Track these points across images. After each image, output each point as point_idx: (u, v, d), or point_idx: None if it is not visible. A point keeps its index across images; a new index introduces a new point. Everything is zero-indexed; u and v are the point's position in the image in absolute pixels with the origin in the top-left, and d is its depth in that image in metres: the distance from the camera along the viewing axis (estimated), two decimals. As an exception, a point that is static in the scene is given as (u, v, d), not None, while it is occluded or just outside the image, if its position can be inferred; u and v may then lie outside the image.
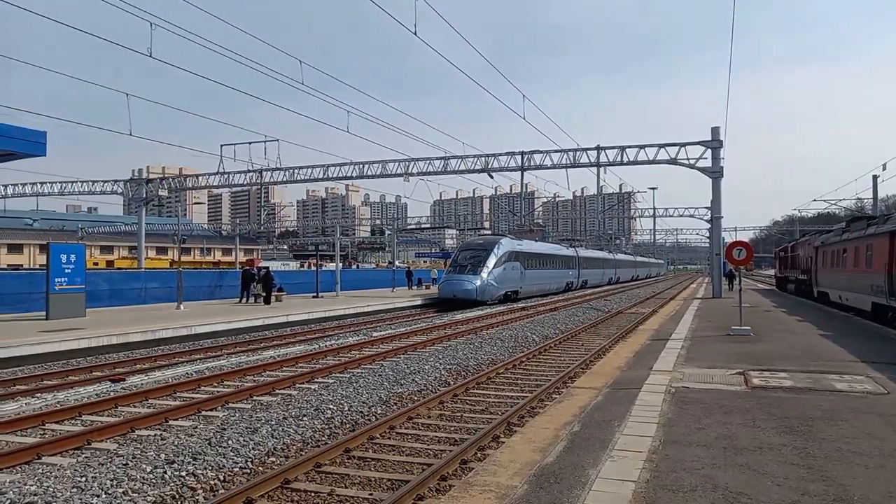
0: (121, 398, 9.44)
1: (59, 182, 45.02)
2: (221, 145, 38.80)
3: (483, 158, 36.43)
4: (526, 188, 45.03)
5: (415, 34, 17.85)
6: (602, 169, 34.94)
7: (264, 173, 40.07)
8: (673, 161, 31.82)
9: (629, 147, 33.06)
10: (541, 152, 35.58)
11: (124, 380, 11.02)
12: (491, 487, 4.64)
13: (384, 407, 9.25)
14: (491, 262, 30.27)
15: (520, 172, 36.96)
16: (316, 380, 11.18)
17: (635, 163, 33.28)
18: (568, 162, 35.07)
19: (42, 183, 45.47)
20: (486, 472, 5.04)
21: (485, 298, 29.63)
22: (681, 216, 66.44)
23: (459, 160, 36.73)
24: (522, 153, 35.79)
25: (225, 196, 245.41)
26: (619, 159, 33.58)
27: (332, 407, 8.86)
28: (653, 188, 66.22)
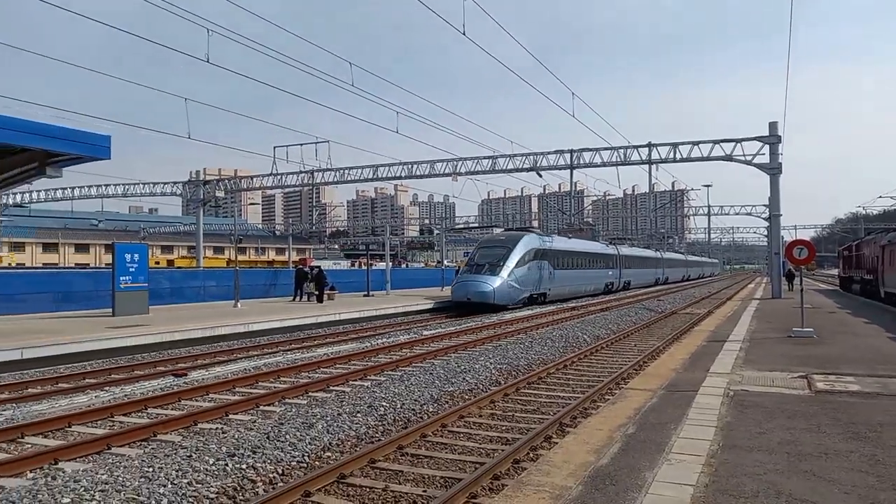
0: (183, 392, 9.80)
1: (122, 184, 46.93)
2: (274, 147, 39.73)
3: (531, 157, 36.21)
4: (575, 187, 44.51)
5: (463, 34, 17.90)
6: (654, 166, 34.26)
7: (315, 174, 40.85)
8: (728, 157, 30.93)
9: (682, 144, 32.32)
10: (590, 150, 35.13)
11: (186, 375, 11.44)
12: (545, 488, 4.64)
13: (436, 405, 9.33)
14: (512, 260, 27.10)
15: (569, 171, 36.58)
16: (368, 377, 11.35)
17: (688, 160, 32.50)
18: (618, 160, 34.51)
19: (106, 185, 47.49)
20: (540, 472, 5.03)
21: (504, 302, 26.54)
22: (737, 214, 64.54)
23: (507, 159, 36.62)
24: (571, 151, 35.42)
25: (278, 197, 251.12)
26: (671, 156, 32.86)
27: (384, 404, 8.99)
28: (707, 185, 64.57)
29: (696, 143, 31.90)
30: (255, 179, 44.72)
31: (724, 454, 5.34)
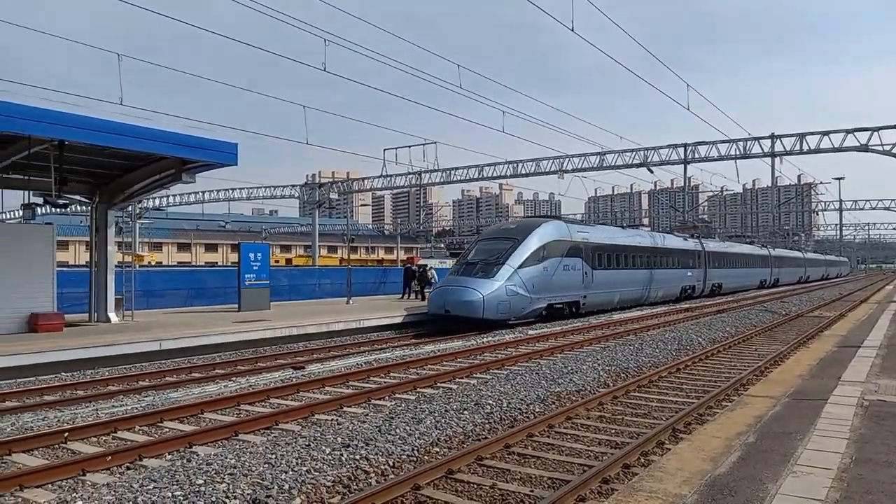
0: (302, 384, 10.37)
1: (247, 188, 50.17)
2: (384, 149, 40.98)
3: (642, 152, 35.02)
4: (689, 182, 42.56)
5: (572, 30, 17.64)
6: (777, 159, 32.08)
7: (423, 175, 41.72)
8: (864, 148, 28.42)
9: (809, 134, 30.09)
10: (706, 143, 33.49)
11: (304, 368, 12.08)
12: (657, 494, 4.50)
13: (542, 405, 9.28)
14: (519, 256, 19.44)
15: (682, 165, 35.05)
16: (474, 375, 11.47)
17: (817, 151, 30.20)
18: (737, 153, 32.67)
19: (232, 189, 50.96)
20: (652, 478, 4.89)
21: (501, 315, 18.76)
22: (873, 209, 59.08)
23: (616, 155, 35.64)
24: (685, 145, 33.91)
25: (387, 197, 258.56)
26: (797, 148, 30.65)
27: (490, 402, 9.05)
28: (839, 178, 59.60)
29: (826, 133, 29.57)
30: (366, 181, 46.35)
31: (857, 468, 4.94)
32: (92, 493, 5.56)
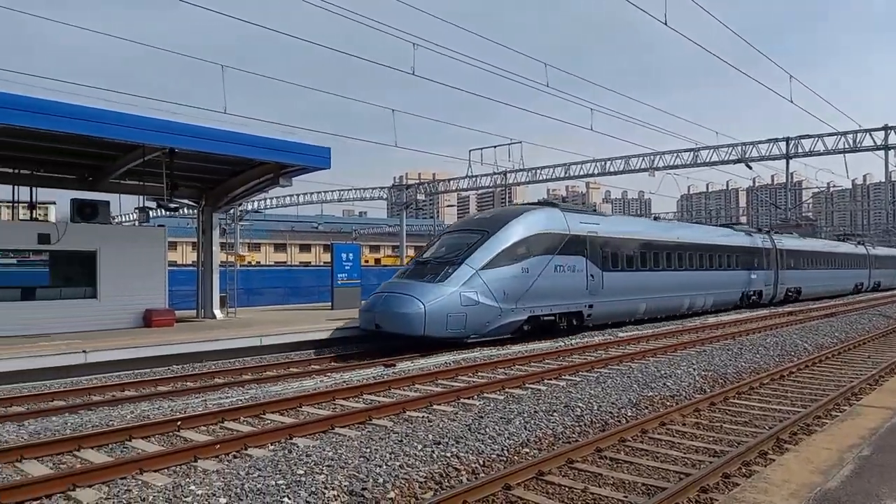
0: (393, 381, 10.63)
1: (338, 190, 51.84)
2: (469, 150, 41.24)
3: (739, 147, 33.40)
4: (792, 178, 40.17)
5: (665, 24, 17.09)
6: (892, 152, 29.72)
7: (508, 175, 41.61)
8: None
9: (931, 124, 27.62)
10: (810, 137, 31.50)
11: (394, 365, 12.38)
12: (761, 506, 4.32)
13: (634, 410, 9.06)
14: (483, 254, 15.13)
15: (784, 161, 33.13)
16: (563, 377, 11.36)
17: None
18: (846, 146, 30.51)
19: (324, 192, 52.81)
20: (755, 489, 4.69)
21: (449, 332, 14.32)
22: None
23: (712, 151, 34.17)
24: (787, 139, 32.05)
25: (472, 198, 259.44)
26: (916, 139, 28.24)
27: (580, 405, 8.94)
28: (966, 171, 54.37)
29: (951, 122, 27.04)
30: (451, 182, 46.77)
31: None
32: (203, 478, 5.95)
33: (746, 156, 33.24)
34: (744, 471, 6.30)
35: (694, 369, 11.85)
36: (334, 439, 7.39)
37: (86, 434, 7.32)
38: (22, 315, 13.86)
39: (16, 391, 10.35)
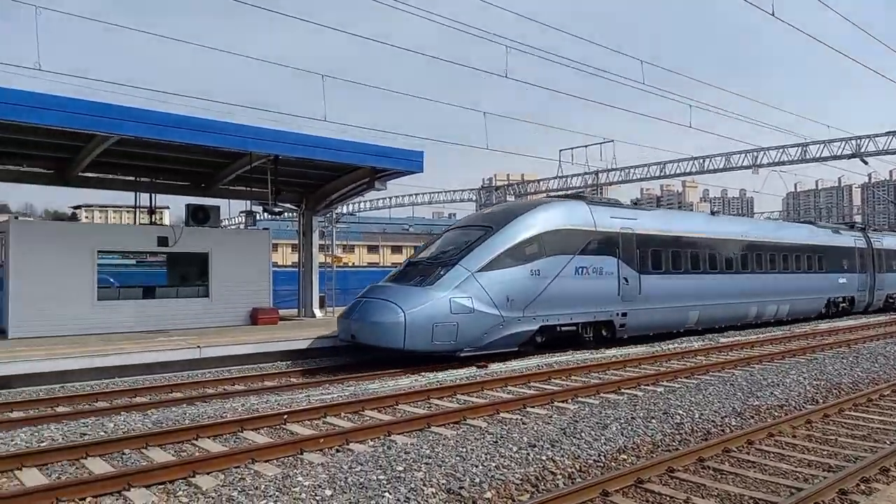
0: (486, 382, 10.72)
1: (428, 192, 52.66)
2: (560, 150, 40.70)
3: (853, 142, 31.10)
4: (916, 173, 36.90)
5: (772, 15, 16.26)
6: None
7: (600, 174, 40.77)
8: None
9: None
10: (937, 128, 28.83)
11: (487, 366, 12.46)
12: (885, 526, 4.06)
13: (739, 419, 8.68)
14: (483, 254, 13.18)
15: (906, 154, 30.52)
16: (661, 383, 11.04)
17: None
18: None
19: (415, 194, 53.76)
20: (877, 508, 4.41)
21: (436, 345, 12.37)
22: None
23: (822, 145, 32.01)
24: (910, 131, 29.49)
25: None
26: None
27: (680, 412, 8.67)
28: None
29: None
30: (541, 183, 46.38)
31: None
32: (309, 470, 6.26)
33: (861, 150, 30.91)
34: (863, 487, 5.91)
35: (804, 378, 11.19)
36: (431, 437, 7.55)
37: (203, 424, 7.86)
38: (144, 312, 15.06)
39: (139, 383, 11.27)
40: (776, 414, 8.98)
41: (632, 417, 8.33)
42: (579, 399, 9.71)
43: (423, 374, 11.81)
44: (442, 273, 12.81)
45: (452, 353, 12.69)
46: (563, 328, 14.33)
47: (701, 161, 36.29)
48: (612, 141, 37.81)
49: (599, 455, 6.95)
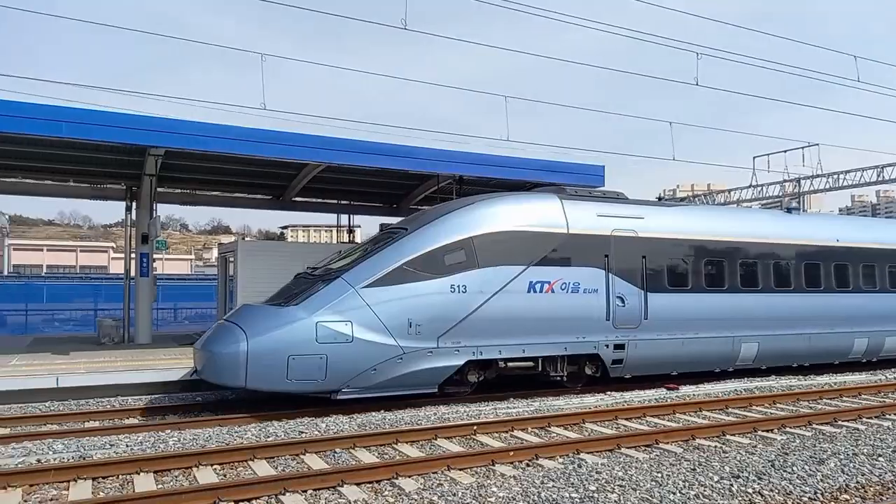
0: (677, 405, 10.21)
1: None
2: (754, 157, 37.59)
3: None
4: None
5: None
6: None
7: (802, 181, 36.97)
8: None
9: None
10: None
11: (678, 389, 11.86)
12: None
13: None
14: (377, 264, 10.28)
15: None
16: (887, 416, 9.75)
17: None
18: None
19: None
20: None
21: (291, 384, 9.47)
22: None
23: None
24: None
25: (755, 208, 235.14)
26: None
27: (916, 452, 7.58)
28: None
29: None
30: (731, 193, 43.19)
31: None
32: (502, 482, 6.43)
33: None
34: None
35: None
36: (622, 459, 7.38)
37: (401, 430, 8.40)
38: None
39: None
40: None
41: (854, 454, 7.46)
42: (788, 430, 8.88)
43: (608, 393, 11.54)
44: (317, 289, 10.02)
45: (322, 394, 9.88)
46: (510, 363, 11.01)
47: (931, 162, 31.41)
48: (818, 144, 34.15)
49: (815, 492, 6.31)
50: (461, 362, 10.47)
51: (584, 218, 11.76)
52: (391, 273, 10.07)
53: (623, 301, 11.69)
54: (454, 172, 15.18)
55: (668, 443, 8.10)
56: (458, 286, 10.34)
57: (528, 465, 7.27)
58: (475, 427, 8.65)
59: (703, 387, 12.22)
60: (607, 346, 11.57)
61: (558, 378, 11.49)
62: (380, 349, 9.79)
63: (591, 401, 10.82)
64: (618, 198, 12.99)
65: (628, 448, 7.87)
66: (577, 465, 7.09)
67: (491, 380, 11.21)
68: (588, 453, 7.63)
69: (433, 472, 6.84)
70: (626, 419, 9.57)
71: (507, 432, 8.68)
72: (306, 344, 9.41)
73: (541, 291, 10.98)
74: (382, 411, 10.01)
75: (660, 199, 46.89)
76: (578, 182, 16.59)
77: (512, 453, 7.45)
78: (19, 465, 6.90)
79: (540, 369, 11.23)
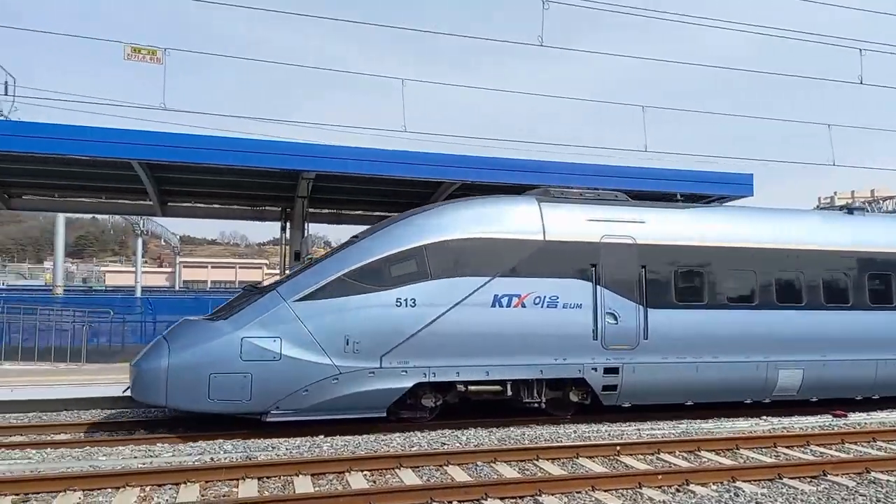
0: (846, 434, 9.28)
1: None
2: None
3: None
4: None
5: None
6: None
7: None
8: None
9: None
10: None
11: (846, 416, 10.78)
12: None
13: None
14: (310, 278, 9.51)
15: None
16: None
17: None
18: None
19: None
20: None
21: (210, 404, 8.87)
22: None
23: None
24: None
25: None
26: None
27: None
28: None
29: None
30: (901, 198, 38.68)
31: None
32: (651, 506, 6.19)
33: None
34: None
35: None
36: (784, 490, 6.85)
37: (542, 446, 8.35)
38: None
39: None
40: None
41: None
42: None
43: (764, 417, 10.73)
44: (249, 302, 9.44)
45: (248, 416, 9.24)
46: (470, 386, 9.81)
47: None
48: None
49: None
50: (409, 384, 9.43)
51: (567, 223, 10.43)
52: (328, 285, 9.31)
53: (615, 318, 10.24)
54: (586, 185, 14.92)
55: (837, 475, 7.39)
56: (406, 300, 9.42)
57: (678, 490, 6.94)
58: (618, 447, 8.40)
59: (876, 415, 11.03)
60: (595, 369, 10.12)
61: (535, 405, 10.20)
62: (311, 368, 9.05)
63: (745, 425, 10.12)
64: (616, 199, 11.43)
65: (791, 478, 7.27)
66: (733, 493, 6.68)
67: (468, 405, 10.20)
68: (745, 481, 7.15)
69: (577, 492, 6.73)
70: (787, 447, 8.85)
71: (652, 454, 8.34)
72: (230, 361, 8.86)
73: (508, 306, 9.78)
74: (524, 426, 9.97)
75: (818, 207, 43.05)
76: (724, 192, 15.72)
77: (660, 477, 7.15)
78: (196, 462, 7.66)
79: (510, 394, 9.94)
